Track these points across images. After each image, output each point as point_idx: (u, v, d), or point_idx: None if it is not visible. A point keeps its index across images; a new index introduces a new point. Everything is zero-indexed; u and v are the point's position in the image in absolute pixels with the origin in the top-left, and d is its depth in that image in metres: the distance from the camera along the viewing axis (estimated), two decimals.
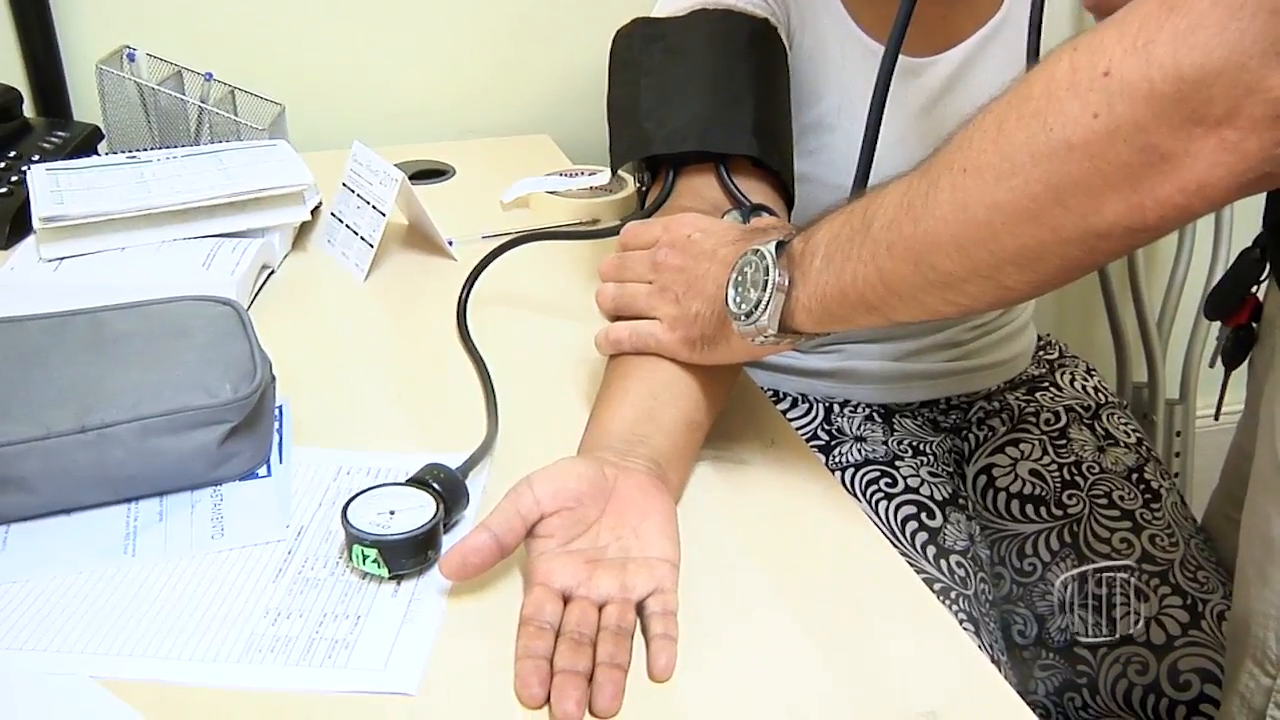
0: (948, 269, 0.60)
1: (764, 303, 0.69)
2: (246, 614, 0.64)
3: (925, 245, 0.61)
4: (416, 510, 0.68)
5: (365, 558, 0.66)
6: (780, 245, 0.70)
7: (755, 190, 0.90)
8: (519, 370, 0.90)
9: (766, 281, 0.68)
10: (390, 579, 0.67)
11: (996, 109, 0.57)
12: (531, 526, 0.66)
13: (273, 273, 1.08)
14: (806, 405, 1.08)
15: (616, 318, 0.81)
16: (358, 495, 0.69)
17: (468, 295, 1.00)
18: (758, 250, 0.71)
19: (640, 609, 0.64)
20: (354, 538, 0.66)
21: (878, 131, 0.80)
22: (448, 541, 0.69)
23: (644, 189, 0.97)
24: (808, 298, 0.68)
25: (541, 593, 0.64)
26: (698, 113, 0.88)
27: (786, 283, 0.68)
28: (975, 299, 0.62)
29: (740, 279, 0.71)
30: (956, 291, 0.62)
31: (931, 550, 0.97)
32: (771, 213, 0.88)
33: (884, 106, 0.78)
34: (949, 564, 0.95)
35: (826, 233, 0.68)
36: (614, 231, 0.96)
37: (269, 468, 0.77)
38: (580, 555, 0.66)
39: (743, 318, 0.70)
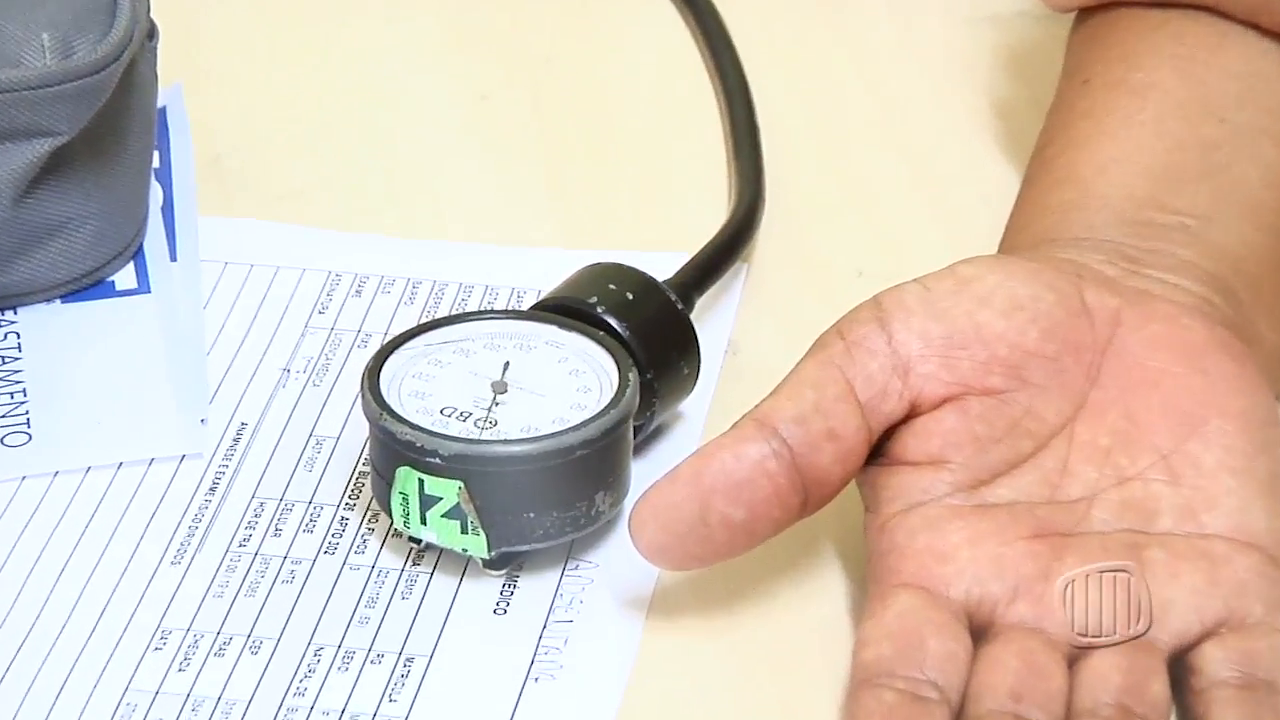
0: None
1: None
2: (107, 637, 0.53)
3: None
4: (560, 383, 0.54)
5: (426, 505, 0.52)
6: None
7: None
8: (796, 53, 0.76)
9: None
10: (491, 562, 0.53)
11: None
12: (888, 428, 0.52)
13: None
14: None
15: None
16: (403, 343, 0.56)
17: None
18: None
19: (1182, 663, 0.50)
20: (396, 452, 0.52)
21: None
22: (645, 469, 0.53)
23: None
24: None
25: (916, 605, 0.50)
26: None
27: None
28: None
29: None
30: None
31: None
32: None
33: None
34: None
35: None
36: None
37: (144, 271, 0.66)
38: (1020, 516, 0.51)
39: None
